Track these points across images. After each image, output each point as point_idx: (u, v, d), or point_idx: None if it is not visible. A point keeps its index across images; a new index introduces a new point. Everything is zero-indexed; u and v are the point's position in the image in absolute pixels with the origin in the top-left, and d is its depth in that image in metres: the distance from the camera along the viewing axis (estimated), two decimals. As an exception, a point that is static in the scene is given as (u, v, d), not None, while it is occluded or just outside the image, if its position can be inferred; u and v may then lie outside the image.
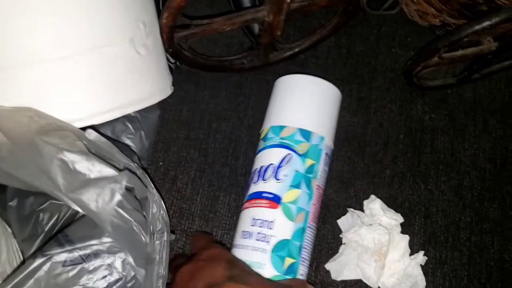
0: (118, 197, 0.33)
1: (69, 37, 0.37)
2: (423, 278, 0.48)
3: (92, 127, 0.38)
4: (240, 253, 0.42)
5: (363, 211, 0.51)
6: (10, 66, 0.36)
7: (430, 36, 0.58)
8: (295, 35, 0.58)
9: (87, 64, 0.38)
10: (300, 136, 0.44)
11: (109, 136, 0.42)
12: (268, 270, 0.40)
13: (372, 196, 0.52)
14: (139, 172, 0.39)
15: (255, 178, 0.45)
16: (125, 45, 0.40)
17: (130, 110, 0.42)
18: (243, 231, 0.43)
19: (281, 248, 0.41)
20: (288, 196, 0.42)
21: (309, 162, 0.44)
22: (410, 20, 0.58)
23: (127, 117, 0.47)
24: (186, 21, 0.48)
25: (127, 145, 0.44)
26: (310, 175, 0.44)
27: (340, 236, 0.50)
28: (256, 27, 0.55)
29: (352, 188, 0.53)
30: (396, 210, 0.51)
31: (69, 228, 0.36)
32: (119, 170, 0.35)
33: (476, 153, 0.56)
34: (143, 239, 0.35)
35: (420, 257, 0.49)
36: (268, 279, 0.39)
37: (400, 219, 0.51)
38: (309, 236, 0.43)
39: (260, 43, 0.52)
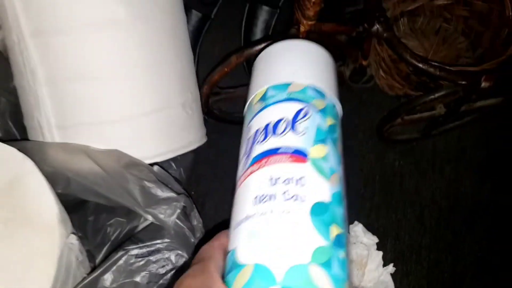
0: (178, 211, 0.49)
1: (143, 101, 0.54)
2: (392, 283, 0.63)
3: (156, 163, 0.55)
4: (256, 224, 0.28)
5: (348, 233, 0.67)
6: (103, 121, 0.53)
7: (397, 102, 0.76)
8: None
9: (154, 120, 0.55)
10: (313, 92, 0.34)
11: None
12: (310, 237, 0.27)
13: (356, 222, 0.68)
14: (186, 195, 0.55)
15: (260, 138, 0.32)
16: (179, 108, 0.58)
17: (179, 153, 0.59)
18: (257, 196, 0.29)
19: (321, 211, 0.28)
20: (315, 151, 0.31)
21: (330, 121, 0.33)
22: (382, 91, 0.76)
23: (171, 158, 0.64)
24: (218, 90, 0.66)
25: (174, 177, 0.61)
26: (335, 135, 0.33)
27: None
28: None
29: (339, 216, 0.68)
30: (373, 233, 0.67)
31: (140, 232, 0.52)
32: (177, 193, 0.51)
33: (435, 192, 0.73)
34: (192, 241, 0.51)
35: (390, 268, 0.64)
36: None
37: (376, 239, 0.66)
38: (346, 212, 0.31)
39: (270, 105, 0.70)
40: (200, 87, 0.63)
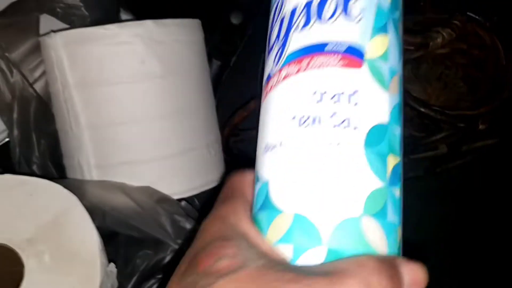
0: (203, 242, 0.55)
1: (173, 144, 0.61)
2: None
3: (183, 199, 0.61)
4: (296, 158, 0.22)
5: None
6: (137, 161, 0.60)
7: (403, 143, 0.82)
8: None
9: (182, 160, 0.62)
10: None
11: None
12: (364, 180, 0.21)
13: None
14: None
15: (299, 22, 0.23)
16: (203, 149, 0.64)
17: (202, 189, 0.65)
18: (296, 116, 0.22)
19: (377, 139, 0.22)
20: (373, 46, 0.23)
21: None
22: (388, 131, 0.82)
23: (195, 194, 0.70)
24: (237, 132, 0.72)
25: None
26: (397, 14, 0.24)
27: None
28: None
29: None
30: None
31: (169, 262, 0.57)
32: (203, 226, 0.57)
33: (438, 229, 0.77)
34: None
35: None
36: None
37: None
38: (403, 124, 0.24)
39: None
40: (221, 129, 0.70)
